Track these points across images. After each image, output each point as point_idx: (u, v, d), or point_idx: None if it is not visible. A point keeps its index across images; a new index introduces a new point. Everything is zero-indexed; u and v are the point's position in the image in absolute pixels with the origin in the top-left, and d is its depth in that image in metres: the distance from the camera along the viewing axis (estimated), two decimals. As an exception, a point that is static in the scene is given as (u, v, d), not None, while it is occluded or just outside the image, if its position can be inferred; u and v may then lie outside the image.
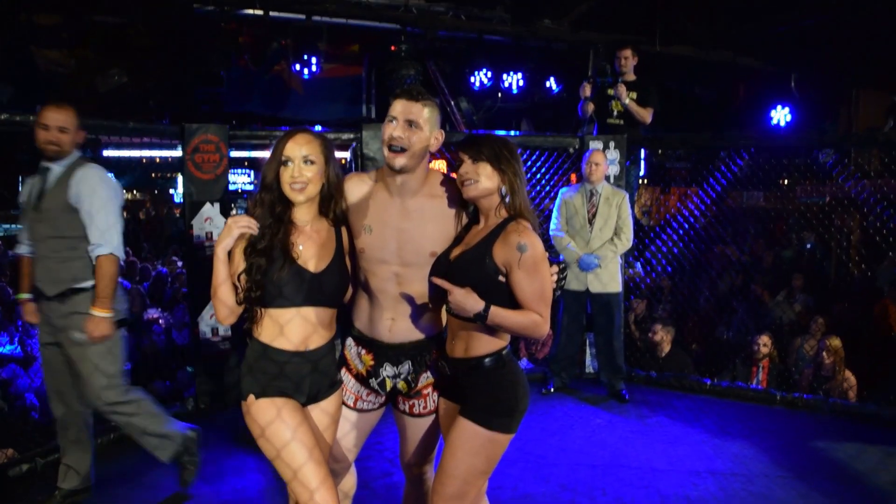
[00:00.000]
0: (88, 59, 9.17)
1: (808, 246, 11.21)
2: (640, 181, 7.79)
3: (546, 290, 2.54)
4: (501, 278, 2.54)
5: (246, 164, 17.67)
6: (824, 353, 6.09)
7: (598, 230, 5.78)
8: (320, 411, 2.71)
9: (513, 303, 2.54)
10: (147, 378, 6.43)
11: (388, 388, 2.81)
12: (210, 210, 5.52)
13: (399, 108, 2.64)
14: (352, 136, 5.96)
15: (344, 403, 2.85)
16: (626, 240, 5.79)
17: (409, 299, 2.74)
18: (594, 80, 6.91)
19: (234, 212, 6.04)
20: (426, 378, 2.81)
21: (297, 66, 9.41)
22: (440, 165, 7.97)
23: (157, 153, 18.39)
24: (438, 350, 2.77)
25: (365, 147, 5.88)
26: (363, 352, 2.82)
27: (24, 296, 3.98)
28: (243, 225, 2.53)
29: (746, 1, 7.88)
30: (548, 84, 10.43)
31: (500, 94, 11.05)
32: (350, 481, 3.05)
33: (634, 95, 6.61)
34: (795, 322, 7.75)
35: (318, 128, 6.77)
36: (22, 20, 8.35)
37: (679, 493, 4.23)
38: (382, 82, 10.50)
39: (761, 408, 5.86)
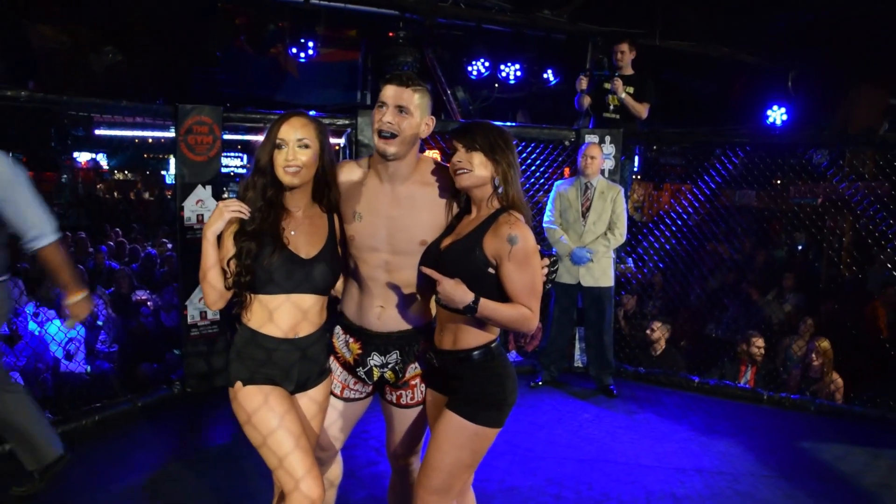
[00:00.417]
0: (83, 36, 9.09)
1: (800, 247, 11.25)
2: (634, 176, 7.77)
3: (536, 284, 2.51)
4: (491, 270, 2.51)
5: (239, 147, 17.58)
6: (813, 355, 6.10)
7: (591, 224, 5.76)
8: (308, 399, 2.68)
9: (502, 295, 2.51)
10: (134, 360, 6.40)
11: (375, 378, 2.79)
12: (202, 192, 5.46)
13: (389, 93, 2.61)
14: (347, 121, 5.92)
15: (331, 392, 2.83)
16: (620, 235, 5.77)
17: (399, 288, 2.72)
18: (591, 73, 6.88)
19: (225, 195, 5.99)
20: (414, 369, 2.78)
21: (294, 50, 9.33)
22: (434, 154, 7.94)
23: (149, 133, 18.27)
24: (427, 341, 2.74)
25: (360, 133, 5.84)
26: (351, 340, 2.79)
27: None
28: (234, 209, 2.49)
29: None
30: (545, 75, 10.36)
31: (497, 84, 10.98)
32: (336, 470, 3.03)
33: (631, 90, 6.58)
34: (785, 322, 7.76)
35: (312, 113, 6.73)
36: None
37: (665, 490, 4.23)
38: (378, 68, 10.44)
39: (749, 406, 5.88)
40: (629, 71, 6.68)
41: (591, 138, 6.35)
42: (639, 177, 8.93)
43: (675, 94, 9.94)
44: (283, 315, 2.57)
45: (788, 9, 7.87)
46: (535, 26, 8.75)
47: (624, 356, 6.72)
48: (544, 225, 5.88)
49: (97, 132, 17.07)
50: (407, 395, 2.83)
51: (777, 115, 10.19)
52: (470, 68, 9.80)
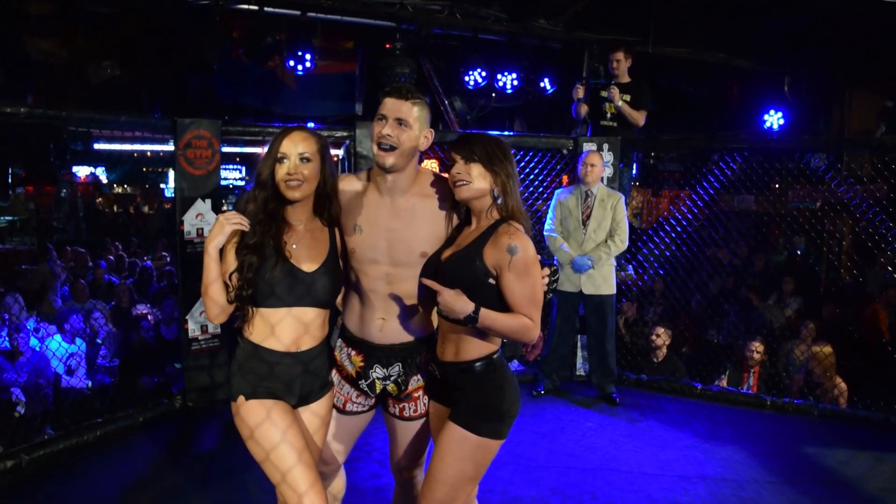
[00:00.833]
0: (80, 49, 9.09)
1: (799, 252, 11.26)
2: (632, 183, 7.78)
3: (536, 294, 2.51)
4: (492, 280, 2.51)
5: (238, 159, 17.61)
6: (814, 362, 6.10)
7: (591, 232, 5.76)
8: (311, 413, 2.68)
9: (503, 306, 2.51)
10: (135, 374, 6.39)
11: (378, 390, 2.78)
12: (201, 206, 5.46)
13: (388, 106, 2.62)
14: (345, 133, 5.92)
15: (334, 406, 2.82)
16: (621, 242, 5.76)
17: (400, 300, 2.72)
18: (587, 81, 6.89)
19: (225, 208, 5.99)
20: (416, 381, 2.78)
21: (291, 62, 9.35)
22: (432, 165, 7.95)
23: (148, 147, 18.30)
24: (429, 353, 2.74)
25: (358, 145, 5.85)
26: (353, 353, 2.79)
27: None
28: (235, 221, 2.50)
29: (740, 2, 7.86)
30: (542, 84, 10.38)
31: (494, 94, 10.99)
32: (339, 484, 3.03)
33: (628, 98, 6.59)
34: (786, 326, 7.76)
35: (311, 125, 6.74)
36: (13, 8, 8.26)
37: (669, 498, 4.21)
38: (375, 79, 10.45)
39: (752, 412, 5.86)
40: (625, 79, 6.68)
41: (589, 146, 6.36)
42: (637, 183, 8.94)
43: (671, 101, 9.95)
44: (285, 329, 2.56)
45: (783, 13, 7.88)
46: (531, 35, 8.77)
47: (626, 364, 6.71)
48: (545, 233, 5.88)
49: (96, 146, 17.11)
50: (410, 408, 2.82)
51: (774, 119, 10.24)
52: (467, 78, 9.82)
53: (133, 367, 6.58)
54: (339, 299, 2.84)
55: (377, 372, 2.76)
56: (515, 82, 9.87)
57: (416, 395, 2.80)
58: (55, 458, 4.56)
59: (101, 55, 8.72)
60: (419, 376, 2.78)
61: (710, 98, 10.93)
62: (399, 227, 2.68)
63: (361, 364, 2.77)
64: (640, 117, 6.60)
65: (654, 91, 6.84)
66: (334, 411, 2.83)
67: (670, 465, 4.71)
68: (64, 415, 5.49)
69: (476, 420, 2.54)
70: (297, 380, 2.60)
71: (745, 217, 10.02)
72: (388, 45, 9.24)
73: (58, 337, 6.51)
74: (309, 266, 2.58)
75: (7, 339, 6.56)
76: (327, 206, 2.65)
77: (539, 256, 2.56)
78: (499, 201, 2.57)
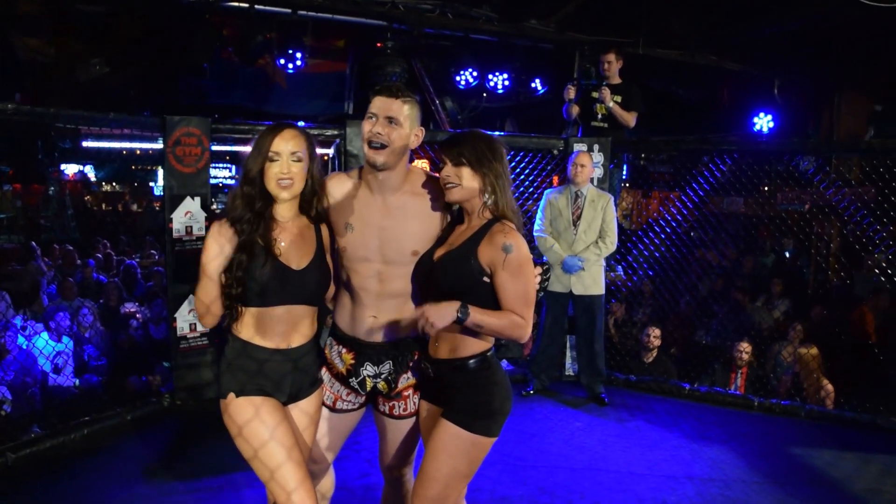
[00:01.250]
0: (69, 48, 9.04)
1: (787, 254, 11.31)
2: (622, 184, 7.80)
3: (529, 293, 2.52)
4: (486, 279, 2.52)
5: (227, 158, 17.54)
6: (800, 363, 6.13)
7: (582, 232, 5.77)
8: (300, 411, 2.68)
9: (497, 305, 2.51)
10: (123, 373, 6.36)
11: (368, 388, 2.78)
12: (191, 204, 5.44)
13: (379, 104, 2.62)
14: (336, 132, 5.91)
15: (323, 404, 2.82)
16: (611, 243, 5.78)
17: (391, 298, 2.72)
18: (578, 82, 6.90)
19: (214, 206, 5.96)
20: (406, 379, 2.78)
21: (282, 61, 9.33)
22: (422, 164, 7.95)
23: (137, 145, 18.21)
24: (421, 351, 2.74)
25: (349, 144, 5.84)
26: (344, 351, 2.79)
27: None
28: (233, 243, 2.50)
29: (731, 4, 7.90)
30: (533, 84, 10.41)
31: (485, 94, 11.01)
32: (328, 482, 3.02)
33: (619, 99, 6.60)
34: (774, 328, 7.79)
35: (301, 123, 6.72)
36: (1, 6, 8.21)
37: (657, 498, 4.23)
38: (364, 78, 10.44)
39: (740, 413, 5.88)
40: (616, 80, 6.70)
41: (579, 147, 6.37)
42: (627, 184, 8.97)
43: (662, 103, 9.99)
44: (275, 326, 2.56)
45: (774, 17, 7.92)
46: (522, 36, 8.77)
47: (615, 364, 6.73)
48: (535, 234, 5.89)
49: (84, 144, 17.02)
50: (400, 406, 2.82)
51: (764, 122, 10.29)
52: (458, 78, 9.82)
53: (121, 366, 6.55)
54: (329, 297, 2.84)
55: (368, 370, 2.76)
56: (506, 83, 9.88)
57: (406, 393, 2.80)
58: (42, 457, 4.53)
59: (90, 54, 8.67)
60: (409, 375, 2.78)
61: (701, 100, 10.98)
62: (391, 226, 2.68)
63: (352, 362, 2.77)
64: (630, 118, 6.62)
65: (644, 92, 6.86)
66: (324, 409, 2.82)
67: (658, 465, 4.73)
68: (51, 413, 5.47)
69: (469, 417, 2.54)
70: (286, 377, 2.59)
71: (734, 219, 10.06)
72: (379, 45, 9.23)
73: (45, 335, 6.47)
74: (298, 263, 2.57)
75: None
76: (315, 203, 2.64)
77: (532, 256, 2.57)
78: (489, 202, 2.57)
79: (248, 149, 2.58)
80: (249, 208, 2.52)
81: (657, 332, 6.66)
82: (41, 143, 15.58)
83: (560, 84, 7.67)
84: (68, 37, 9.04)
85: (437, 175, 2.66)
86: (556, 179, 6.87)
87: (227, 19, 9.18)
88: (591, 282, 5.82)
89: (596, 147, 6.44)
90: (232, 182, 17.58)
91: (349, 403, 2.86)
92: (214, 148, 5.62)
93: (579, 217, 5.79)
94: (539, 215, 5.93)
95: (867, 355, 6.69)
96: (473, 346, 2.57)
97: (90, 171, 20.27)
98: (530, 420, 5.48)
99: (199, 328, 5.51)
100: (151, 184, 21.26)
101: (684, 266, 7.20)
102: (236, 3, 7.95)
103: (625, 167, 7.39)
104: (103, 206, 20.80)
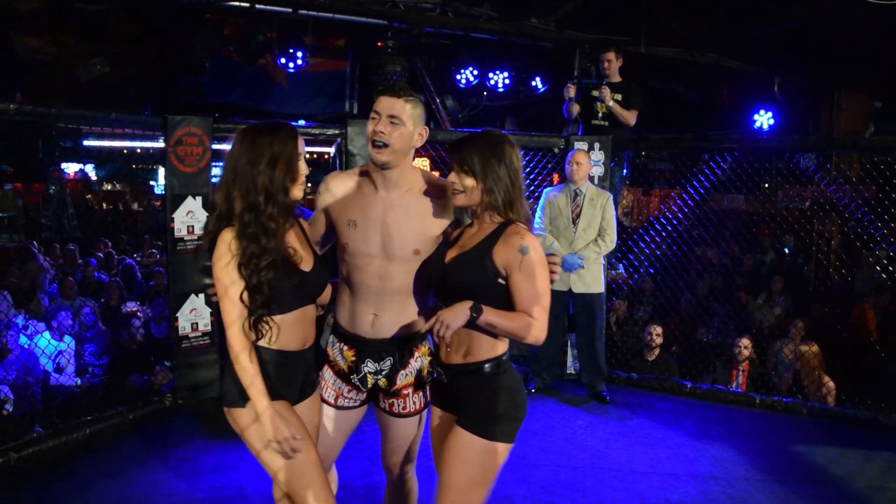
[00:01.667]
0: (69, 47, 9.04)
1: (787, 251, 11.32)
2: (623, 182, 7.80)
3: (544, 295, 2.51)
4: (501, 280, 2.51)
5: (228, 157, 17.48)
6: (801, 361, 6.14)
7: (581, 231, 5.77)
8: (305, 408, 2.67)
9: (510, 308, 2.51)
10: (125, 372, 6.37)
11: (370, 385, 2.79)
12: (192, 203, 5.44)
13: (382, 104, 2.63)
14: (337, 131, 5.90)
15: (325, 401, 2.83)
16: (610, 241, 5.78)
17: (392, 295, 2.73)
18: (579, 80, 6.90)
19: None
20: (405, 377, 2.79)
21: (283, 60, 9.33)
22: (423, 163, 7.95)
23: (138, 144, 18.18)
24: (433, 358, 2.75)
25: (350, 143, 5.82)
26: (345, 348, 2.81)
27: None
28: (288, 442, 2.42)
29: (731, 3, 7.90)
30: (533, 83, 10.41)
31: (485, 92, 11.00)
32: (331, 481, 3.02)
33: (619, 97, 6.60)
34: (775, 325, 7.80)
35: (301, 122, 6.73)
36: (1, 5, 8.21)
37: (659, 496, 4.23)
38: (365, 77, 10.44)
39: (741, 410, 5.88)
40: (616, 78, 6.70)
41: (579, 145, 6.37)
42: (628, 183, 8.97)
43: (662, 101, 9.99)
44: (298, 329, 2.57)
45: (773, 15, 7.92)
46: (522, 34, 8.77)
47: (616, 362, 6.72)
48: (534, 232, 5.88)
49: (85, 143, 17.00)
50: (399, 404, 2.83)
51: (764, 119, 10.28)
52: (458, 77, 9.82)
53: (123, 365, 6.55)
54: (327, 297, 2.84)
55: (369, 366, 2.77)
56: (507, 81, 9.88)
57: (405, 391, 2.81)
58: (44, 456, 4.53)
59: (90, 53, 8.67)
60: (407, 372, 2.79)
61: (701, 98, 10.97)
62: (394, 223, 2.69)
63: (353, 359, 2.78)
64: (630, 117, 6.62)
65: (644, 91, 6.86)
66: (326, 407, 2.84)
67: (660, 463, 4.73)
68: (53, 413, 5.47)
69: (484, 424, 2.52)
70: (298, 377, 2.61)
71: (734, 217, 10.07)
72: (379, 44, 9.23)
73: (46, 334, 6.48)
74: (306, 265, 2.58)
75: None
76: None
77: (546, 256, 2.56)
78: (496, 207, 2.55)
79: None
80: (270, 219, 2.43)
81: (659, 330, 6.65)
82: (42, 142, 15.59)
83: (560, 83, 7.66)
84: (68, 36, 9.04)
85: (437, 174, 2.66)
86: (556, 178, 6.87)
87: (228, 18, 9.19)
88: (592, 280, 5.82)
89: (596, 145, 6.44)
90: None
91: (351, 400, 2.87)
92: (216, 147, 5.62)
93: (579, 215, 5.79)
94: (539, 213, 5.93)
95: (868, 352, 6.70)
96: (488, 350, 2.55)
97: (91, 170, 20.26)
98: (532, 418, 5.47)
99: (201, 327, 5.50)
100: (152, 183, 21.23)
101: (685, 264, 7.20)
102: (237, 2, 7.94)
103: (625, 165, 7.39)
104: (104, 205, 20.79)
